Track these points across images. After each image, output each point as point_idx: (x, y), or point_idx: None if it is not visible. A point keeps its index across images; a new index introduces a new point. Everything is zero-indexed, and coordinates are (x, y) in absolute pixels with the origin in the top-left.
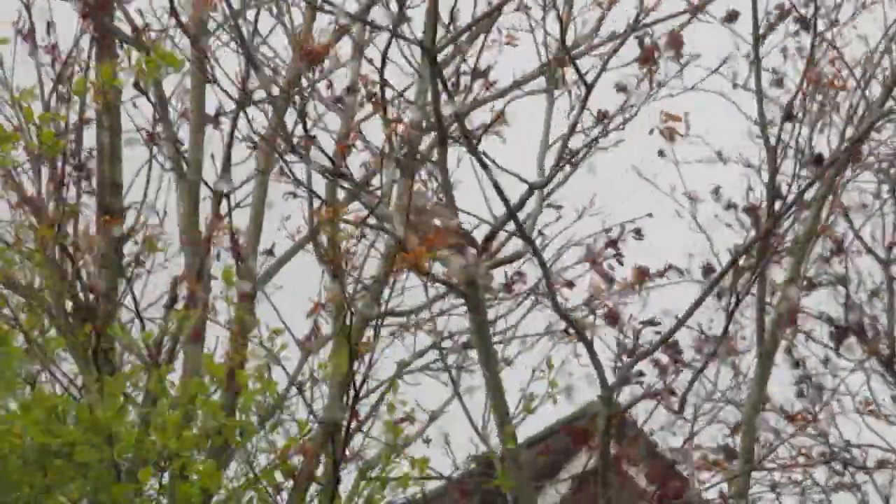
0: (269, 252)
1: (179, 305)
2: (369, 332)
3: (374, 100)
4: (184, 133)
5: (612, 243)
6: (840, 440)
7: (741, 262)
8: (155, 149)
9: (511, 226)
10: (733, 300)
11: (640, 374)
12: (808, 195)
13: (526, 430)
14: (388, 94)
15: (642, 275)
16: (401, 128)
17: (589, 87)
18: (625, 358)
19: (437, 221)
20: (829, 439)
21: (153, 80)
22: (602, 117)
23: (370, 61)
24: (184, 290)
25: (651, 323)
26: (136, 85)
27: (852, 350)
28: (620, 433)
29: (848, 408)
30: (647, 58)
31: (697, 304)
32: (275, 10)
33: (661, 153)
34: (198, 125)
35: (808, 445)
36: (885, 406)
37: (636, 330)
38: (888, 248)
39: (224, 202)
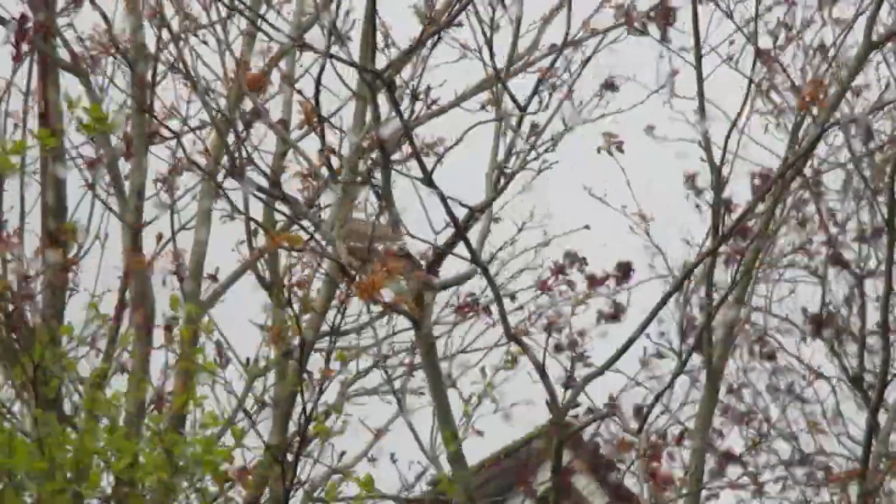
0: (213, 277)
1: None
2: (317, 358)
3: (311, 123)
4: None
5: (559, 270)
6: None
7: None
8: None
9: (461, 248)
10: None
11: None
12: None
13: (478, 452)
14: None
15: (593, 283)
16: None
17: (522, 110)
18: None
19: (381, 245)
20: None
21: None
22: (535, 131)
23: (299, 92)
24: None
25: (581, 358)
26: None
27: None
28: (577, 451)
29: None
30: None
31: (647, 322)
32: (216, 35)
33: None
34: (140, 150)
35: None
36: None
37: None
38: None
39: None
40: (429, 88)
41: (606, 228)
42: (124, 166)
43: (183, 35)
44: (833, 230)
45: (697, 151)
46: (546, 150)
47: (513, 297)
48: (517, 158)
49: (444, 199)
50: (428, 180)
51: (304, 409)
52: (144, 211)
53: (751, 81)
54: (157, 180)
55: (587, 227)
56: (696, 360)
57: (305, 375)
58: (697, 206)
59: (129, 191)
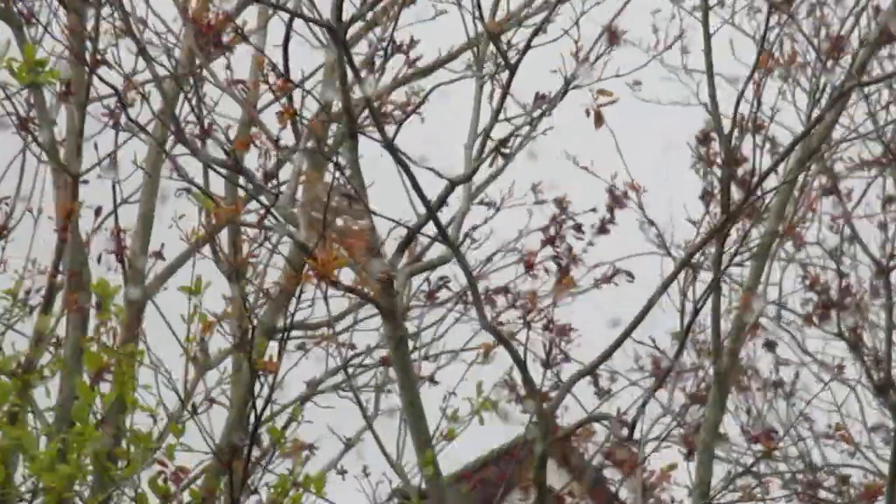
0: (159, 255)
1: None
2: (273, 348)
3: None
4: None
5: (550, 240)
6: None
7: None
8: (29, 137)
9: (432, 228)
10: (689, 308)
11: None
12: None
13: (453, 460)
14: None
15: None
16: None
17: (511, 69)
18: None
19: (346, 223)
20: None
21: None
22: (541, 99)
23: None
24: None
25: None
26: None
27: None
28: (564, 461)
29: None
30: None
31: (643, 313)
32: None
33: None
34: (79, 109)
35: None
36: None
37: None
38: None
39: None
40: (412, 41)
41: (593, 202)
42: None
43: None
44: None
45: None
46: (542, 114)
47: (504, 290)
48: (507, 126)
49: (405, 165)
50: (389, 144)
51: (254, 409)
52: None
53: (764, 36)
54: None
55: (593, 209)
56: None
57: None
58: (706, 174)
59: (68, 147)
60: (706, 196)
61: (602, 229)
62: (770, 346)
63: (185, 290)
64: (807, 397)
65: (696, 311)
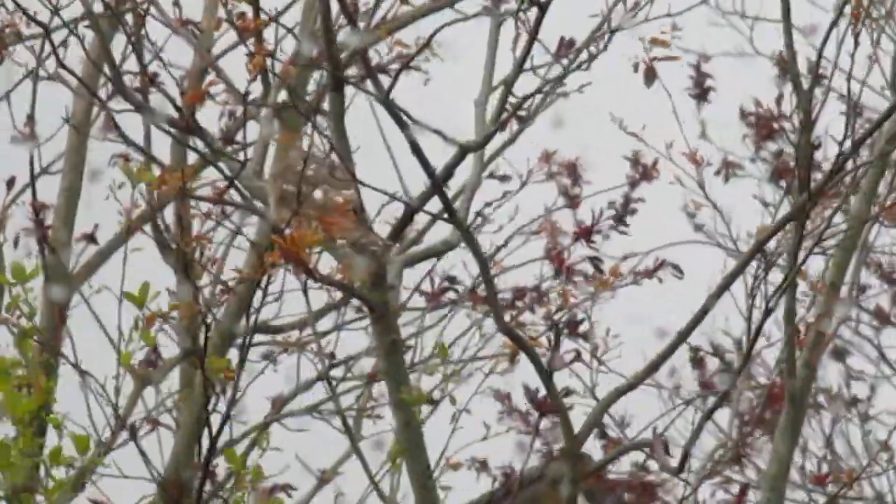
0: (90, 238)
1: None
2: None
3: (241, 22)
4: None
5: (586, 232)
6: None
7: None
8: None
9: (437, 205)
10: (759, 309)
11: (622, 422)
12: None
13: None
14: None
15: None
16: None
17: (542, 7)
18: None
19: (326, 195)
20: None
21: None
22: (568, 46)
23: None
24: None
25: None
26: None
27: None
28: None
29: None
30: None
31: (701, 315)
32: None
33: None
34: None
35: None
36: None
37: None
38: None
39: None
40: None
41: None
42: None
43: None
44: None
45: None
46: (578, 67)
47: (522, 294)
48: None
49: (400, 121)
50: (385, 98)
51: (208, 431)
52: None
53: None
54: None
55: (641, 199)
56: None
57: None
58: (779, 153)
59: None
60: (779, 172)
61: (623, 214)
62: (840, 355)
63: (130, 299)
64: (889, 422)
65: (768, 312)
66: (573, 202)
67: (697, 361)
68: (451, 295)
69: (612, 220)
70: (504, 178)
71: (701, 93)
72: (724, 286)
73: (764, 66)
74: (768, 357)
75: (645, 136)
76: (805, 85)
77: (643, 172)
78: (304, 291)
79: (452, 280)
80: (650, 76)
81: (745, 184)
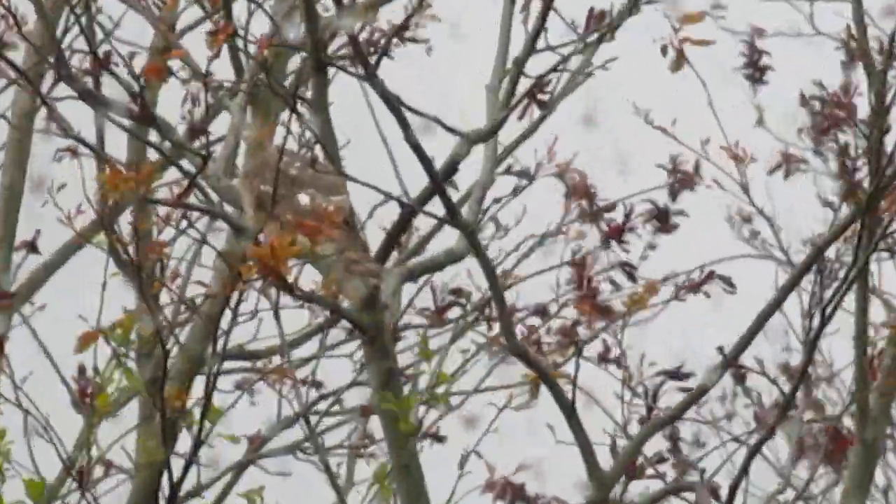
0: (31, 246)
1: None
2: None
3: None
4: None
5: (616, 231)
6: None
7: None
8: None
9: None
10: (814, 320)
11: (660, 458)
12: None
13: None
14: None
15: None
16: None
17: None
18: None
19: (309, 197)
20: None
21: None
22: (599, 20)
23: None
24: None
25: (676, 375)
26: None
27: None
28: None
29: None
30: None
31: (750, 336)
32: None
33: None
34: None
35: None
36: None
37: (650, 383)
38: None
39: None
40: None
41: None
42: None
43: None
44: None
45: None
46: (601, 39)
47: (543, 312)
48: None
49: (390, 102)
50: (371, 75)
51: (169, 477)
52: None
53: None
54: None
55: (682, 212)
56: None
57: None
58: (844, 147)
59: None
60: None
61: (661, 224)
62: None
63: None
64: None
65: (824, 322)
66: (594, 215)
67: (746, 390)
68: (455, 312)
69: (649, 219)
70: (522, 175)
71: (756, 73)
72: (776, 304)
73: (825, 49)
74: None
75: (677, 131)
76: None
77: (681, 178)
78: (276, 312)
79: (458, 293)
80: (679, 61)
81: (805, 181)
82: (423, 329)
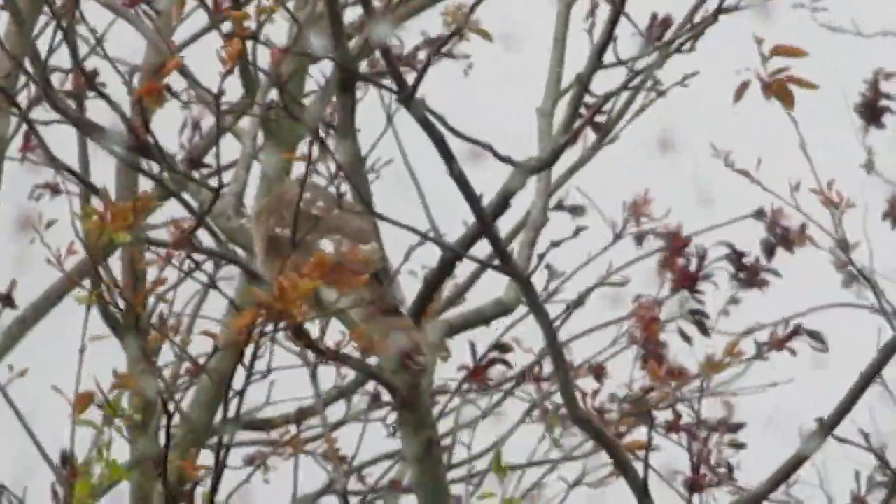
0: (6, 299)
1: None
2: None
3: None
4: None
5: (689, 279)
6: None
7: None
8: None
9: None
10: None
11: None
12: None
13: None
14: None
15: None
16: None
17: None
18: None
19: (336, 243)
20: None
21: None
22: (664, 26)
23: None
24: None
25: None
26: None
27: None
28: None
29: None
30: None
31: (852, 400)
32: None
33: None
34: None
35: None
36: None
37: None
38: None
39: None
40: None
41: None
42: None
43: None
44: None
45: None
46: (679, 47)
47: (600, 370)
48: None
49: (430, 128)
50: (407, 97)
51: None
52: None
53: None
54: None
55: (775, 272)
56: None
57: None
58: None
59: None
60: None
61: (754, 279)
62: None
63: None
64: None
65: None
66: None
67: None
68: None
69: (733, 276)
70: (577, 211)
71: (873, 113)
72: (878, 365)
73: None
74: None
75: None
76: None
77: (782, 238)
78: (314, 372)
79: (504, 349)
80: (740, 92)
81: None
82: (463, 391)
